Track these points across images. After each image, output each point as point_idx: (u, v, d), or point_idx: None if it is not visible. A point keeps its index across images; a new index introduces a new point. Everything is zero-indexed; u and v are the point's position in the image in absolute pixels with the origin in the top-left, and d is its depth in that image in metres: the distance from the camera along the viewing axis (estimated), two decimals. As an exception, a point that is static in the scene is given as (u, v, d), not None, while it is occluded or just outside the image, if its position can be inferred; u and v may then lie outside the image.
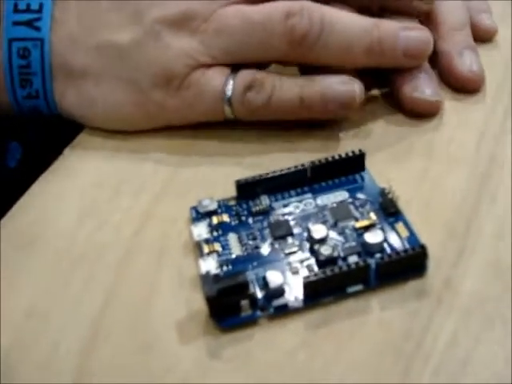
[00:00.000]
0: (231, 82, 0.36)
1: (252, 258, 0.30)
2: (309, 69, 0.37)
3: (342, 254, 0.29)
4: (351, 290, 0.29)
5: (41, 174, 0.37)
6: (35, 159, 0.45)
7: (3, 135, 0.45)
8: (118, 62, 0.36)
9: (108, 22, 0.37)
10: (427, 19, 0.40)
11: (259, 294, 0.28)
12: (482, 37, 0.42)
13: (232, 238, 0.31)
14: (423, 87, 0.38)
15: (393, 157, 0.36)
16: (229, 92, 0.36)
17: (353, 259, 0.29)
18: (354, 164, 0.33)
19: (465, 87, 0.39)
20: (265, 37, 0.35)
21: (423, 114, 0.38)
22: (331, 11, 0.36)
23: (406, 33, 0.37)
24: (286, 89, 0.36)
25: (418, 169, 0.35)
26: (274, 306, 0.28)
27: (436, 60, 0.40)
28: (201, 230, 0.31)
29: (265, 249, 0.30)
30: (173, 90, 0.36)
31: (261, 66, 0.38)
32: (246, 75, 0.36)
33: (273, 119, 0.37)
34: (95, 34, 0.36)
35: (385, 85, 0.39)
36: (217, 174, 0.35)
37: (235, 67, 0.36)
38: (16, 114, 0.39)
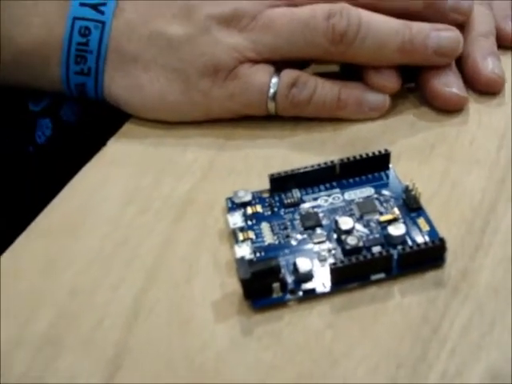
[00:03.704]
0: (276, 79, 0.39)
1: (283, 246, 0.32)
2: (349, 69, 0.41)
3: (366, 245, 0.32)
4: (374, 277, 0.31)
5: (68, 154, 0.40)
6: (65, 139, 0.48)
7: (37, 111, 0.47)
8: (167, 51, 0.39)
9: (162, 14, 0.40)
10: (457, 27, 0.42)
11: (289, 279, 0.31)
12: (506, 42, 0.45)
13: (265, 227, 0.33)
14: (452, 83, 0.40)
15: (417, 156, 0.38)
16: (273, 88, 0.39)
17: (376, 249, 0.31)
18: (380, 162, 0.36)
19: (487, 88, 0.42)
20: (308, 34, 0.38)
21: (452, 107, 0.40)
22: (367, 13, 0.39)
23: (436, 33, 0.39)
24: (326, 89, 0.39)
25: (441, 168, 0.37)
26: (302, 290, 0.30)
27: (462, 63, 0.42)
28: (236, 219, 0.34)
29: (295, 238, 0.33)
30: (219, 81, 0.39)
31: (300, 67, 0.41)
32: (290, 73, 0.39)
33: (310, 116, 0.40)
34: (149, 24, 0.39)
35: (411, 80, 0.42)
36: (252, 166, 0.38)
37: (278, 67, 0.39)
38: (62, 91, 0.41)
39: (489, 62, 0.42)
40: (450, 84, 0.40)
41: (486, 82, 0.41)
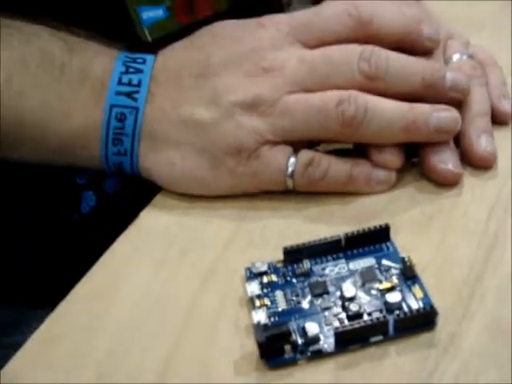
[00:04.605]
0: (293, 160, 0.44)
1: (294, 311, 0.37)
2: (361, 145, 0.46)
3: (367, 311, 0.36)
4: (373, 339, 0.35)
5: (109, 222, 0.44)
6: (108, 208, 0.54)
7: (81, 185, 0.53)
8: (196, 133, 0.44)
9: (190, 99, 0.45)
10: (456, 105, 0.47)
11: (299, 341, 0.35)
12: (499, 119, 0.49)
13: (279, 294, 0.38)
14: (448, 160, 0.45)
15: (415, 227, 0.42)
16: (291, 167, 0.44)
17: (376, 315, 0.36)
18: (381, 235, 0.40)
19: (480, 164, 0.46)
20: (321, 119, 0.43)
21: (447, 183, 0.45)
22: (373, 98, 0.44)
23: (437, 113, 0.44)
24: (338, 168, 0.44)
25: (436, 239, 0.41)
26: (310, 351, 0.35)
27: (459, 140, 0.47)
28: (253, 287, 0.38)
29: (305, 304, 0.37)
30: (243, 160, 0.44)
31: (314, 144, 0.46)
32: (306, 154, 0.44)
33: (324, 191, 0.45)
34: (178, 108, 0.44)
35: (415, 155, 0.46)
36: (269, 237, 0.42)
37: (295, 146, 0.44)
38: (102, 169, 0.46)
39: (483, 141, 0.46)
40: (446, 161, 0.45)
41: (479, 159, 0.46)
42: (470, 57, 0.51)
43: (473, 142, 0.46)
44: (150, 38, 0.51)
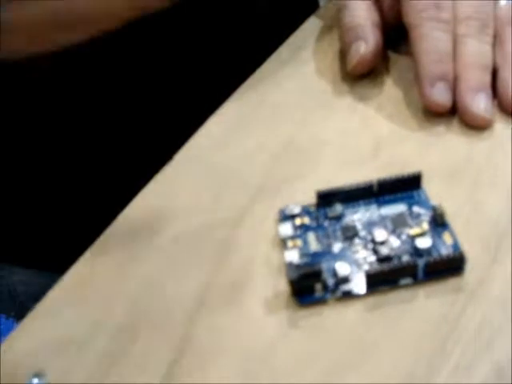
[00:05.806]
0: None
1: (326, 253, 0.38)
2: None
3: (397, 254, 0.37)
4: (403, 282, 0.36)
5: None
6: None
7: None
8: None
9: None
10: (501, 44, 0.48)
11: (330, 281, 0.36)
12: None
13: (311, 236, 0.39)
14: (481, 103, 0.45)
15: (447, 177, 0.42)
16: None
17: (405, 258, 0.37)
18: (413, 182, 0.41)
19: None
20: None
21: (476, 125, 0.46)
22: None
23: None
24: None
25: (466, 189, 0.41)
26: (341, 291, 0.36)
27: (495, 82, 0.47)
28: (286, 229, 0.39)
29: (336, 246, 0.38)
30: None
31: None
32: None
33: None
34: None
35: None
36: (302, 182, 0.43)
37: None
38: None
39: None
40: (479, 104, 0.45)
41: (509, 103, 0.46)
42: None
43: (510, 87, 0.46)
44: None
